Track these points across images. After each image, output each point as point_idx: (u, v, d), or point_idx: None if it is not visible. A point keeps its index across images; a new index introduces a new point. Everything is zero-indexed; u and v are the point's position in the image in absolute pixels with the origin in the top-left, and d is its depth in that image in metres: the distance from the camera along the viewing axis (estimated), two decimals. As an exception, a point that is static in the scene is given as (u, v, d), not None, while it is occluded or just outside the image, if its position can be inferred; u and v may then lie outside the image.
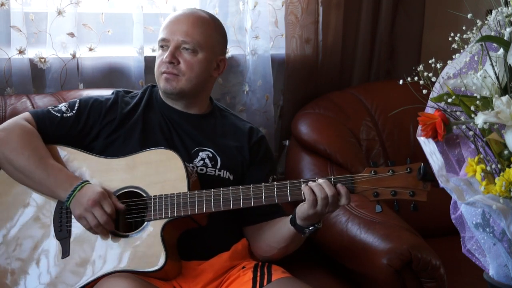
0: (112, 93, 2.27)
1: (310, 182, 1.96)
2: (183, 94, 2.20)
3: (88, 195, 2.01)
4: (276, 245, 2.13)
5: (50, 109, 2.19)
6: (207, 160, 2.19)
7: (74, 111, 2.18)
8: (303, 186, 1.96)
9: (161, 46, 2.20)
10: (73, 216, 2.07)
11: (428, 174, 1.87)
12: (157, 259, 1.99)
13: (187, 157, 2.16)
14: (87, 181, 2.06)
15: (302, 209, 1.98)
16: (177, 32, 2.17)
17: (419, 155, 1.82)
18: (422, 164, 1.88)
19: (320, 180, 1.95)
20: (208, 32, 2.21)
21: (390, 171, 1.93)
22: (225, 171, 2.20)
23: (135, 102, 2.24)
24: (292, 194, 1.98)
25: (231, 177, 2.20)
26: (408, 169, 1.92)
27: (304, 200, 1.97)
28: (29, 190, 2.12)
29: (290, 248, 2.14)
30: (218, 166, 2.19)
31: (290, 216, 2.06)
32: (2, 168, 2.13)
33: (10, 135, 2.10)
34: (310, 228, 2.02)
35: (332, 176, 1.97)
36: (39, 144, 2.11)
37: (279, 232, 2.12)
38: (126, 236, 2.04)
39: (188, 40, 2.17)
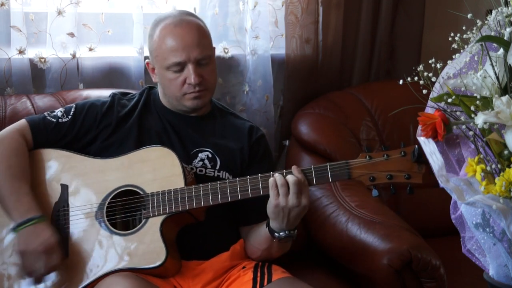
0: (109, 96, 2.27)
1: (276, 174, 1.96)
2: (206, 105, 2.22)
3: (40, 238, 1.97)
4: (258, 246, 2.13)
5: (46, 115, 2.19)
6: (206, 161, 2.19)
7: (69, 116, 2.18)
8: (270, 178, 1.96)
9: (176, 68, 2.13)
10: (70, 217, 2.07)
11: (422, 156, 1.87)
12: (158, 256, 1.99)
13: (186, 159, 2.16)
14: (43, 217, 2.01)
15: (268, 204, 1.98)
16: (191, 51, 2.12)
17: (419, 155, 1.82)
18: (416, 146, 1.89)
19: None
20: (208, 36, 2.21)
21: (385, 155, 1.94)
22: (224, 172, 2.20)
23: (132, 104, 2.24)
24: None
25: (231, 178, 2.20)
26: (402, 152, 1.93)
27: None
28: None
29: (273, 252, 2.12)
30: (218, 167, 2.19)
31: None
32: None
33: None
34: (280, 234, 2.01)
35: (328, 163, 1.97)
36: (21, 163, 2.09)
37: (258, 232, 2.12)
38: (125, 235, 2.04)
39: (204, 55, 2.14)
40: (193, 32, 2.15)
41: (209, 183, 2.02)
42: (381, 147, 1.98)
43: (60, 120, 2.17)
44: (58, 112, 2.20)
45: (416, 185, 1.92)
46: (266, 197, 1.99)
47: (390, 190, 1.94)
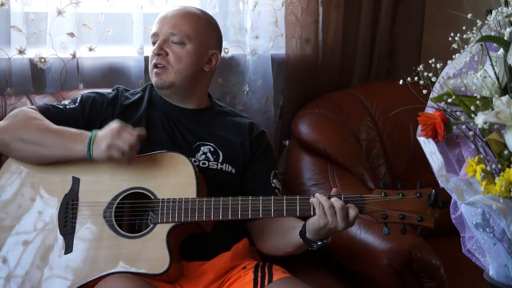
0: (113, 89, 2.30)
1: (317, 194, 1.96)
2: (174, 88, 2.21)
3: (107, 131, 2.01)
4: (283, 248, 2.14)
5: (54, 103, 2.22)
6: (209, 154, 2.20)
7: (77, 104, 2.20)
8: (311, 198, 1.96)
9: (153, 43, 2.23)
10: (78, 212, 2.06)
11: (437, 201, 1.88)
12: (161, 263, 1.99)
13: (189, 152, 2.17)
14: (96, 130, 2.06)
15: (312, 221, 1.97)
16: (165, 26, 2.21)
17: (419, 155, 1.82)
18: (433, 190, 1.89)
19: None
20: (197, 25, 2.23)
21: (400, 194, 1.93)
22: (227, 165, 2.20)
23: (136, 98, 2.26)
24: (301, 209, 1.99)
25: (233, 171, 2.21)
26: (418, 193, 1.92)
27: (312, 215, 1.97)
28: (35, 184, 2.11)
29: (296, 252, 2.14)
30: (220, 160, 2.20)
31: (300, 226, 2.04)
32: (11, 154, 2.12)
33: (15, 119, 2.11)
34: (318, 243, 2.00)
35: (342, 195, 1.96)
36: (43, 118, 2.12)
37: (288, 239, 2.11)
38: (131, 237, 2.04)
39: (175, 32, 2.19)
40: (178, 13, 2.24)
41: (221, 198, 2.02)
42: (397, 185, 1.97)
43: (68, 106, 2.19)
44: (65, 101, 2.23)
45: (427, 229, 1.92)
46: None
47: (400, 229, 1.94)
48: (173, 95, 2.24)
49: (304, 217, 2.02)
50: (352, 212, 1.92)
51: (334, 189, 1.99)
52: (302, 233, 2.02)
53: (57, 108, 2.18)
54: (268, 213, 2.00)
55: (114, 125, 2.03)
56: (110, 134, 2.00)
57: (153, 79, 2.22)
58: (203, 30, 2.24)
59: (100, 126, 2.15)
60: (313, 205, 1.95)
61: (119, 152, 1.99)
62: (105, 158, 2.01)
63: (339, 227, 1.92)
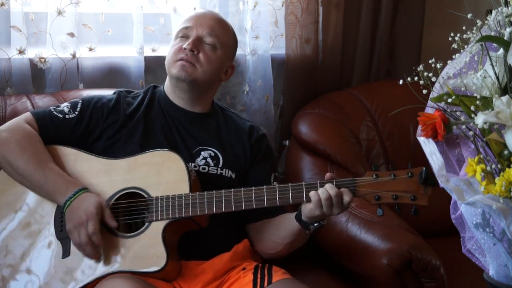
0: (114, 93, 2.28)
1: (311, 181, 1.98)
2: (194, 84, 2.20)
3: (81, 210, 1.98)
4: (281, 241, 2.15)
5: (52, 110, 2.19)
6: (209, 159, 2.20)
7: (76, 112, 2.18)
8: (311, 192, 1.97)
9: (181, 36, 2.22)
10: None
11: (429, 179, 1.89)
12: (158, 260, 1.99)
13: (189, 157, 2.17)
14: (85, 189, 2.03)
15: (308, 208, 1.99)
16: (203, 25, 2.21)
17: (419, 155, 1.82)
18: (424, 168, 1.90)
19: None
20: (229, 35, 2.28)
21: (392, 175, 1.94)
22: (227, 170, 2.20)
23: (137, 102, 2.25)
24: (294, 197, 2.00)
25: (233, 176, 2.21)
26: (409, 173, 1.93)
27: (304, 202, 1.99)
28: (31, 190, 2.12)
29: (296, 244, 2.15)
30: (220, 165, 2.20)
31: (295, 212, 2.07)
32: (3, 169, 2.12)
33: (11, 137, 2.09)
34: (315, 225, 2.04)
35: (334, 180, 1.98)
36: (40, 147, 2.10)
37: (284, 228, 2.13)
38: (127, 237, 2.04)
39: (212, 34, 2.21)
40: (215, 17, 2.28)
41: (214, 191, 2.02)
42: (388, 166, 1.98)
43: (67, 116, 2.17)
44: (65, 107, 2.20)
45: (421, 207, 1.93)
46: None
47: (395, 210, 1.95)
48: (187, 92, 2.22)
49: (297, 204, 2.04)
50: (346, 197, 1.95)
51: (327, 174, 2.01)
52: (298, 216, 2.05)
53: (55, 118, 2.16)
54: (261, 203, 2.01)
55: (86, 210, 1.97)
56: (75, 219, 1.98)
57: (175, 70, 2.19)
58: (232, 42, 2.29)
59: (100, 134, 2.17)
60: (309, 195, 1.96)
61: (74, 240, 2.00)
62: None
63: (334, 213, 1.97)
